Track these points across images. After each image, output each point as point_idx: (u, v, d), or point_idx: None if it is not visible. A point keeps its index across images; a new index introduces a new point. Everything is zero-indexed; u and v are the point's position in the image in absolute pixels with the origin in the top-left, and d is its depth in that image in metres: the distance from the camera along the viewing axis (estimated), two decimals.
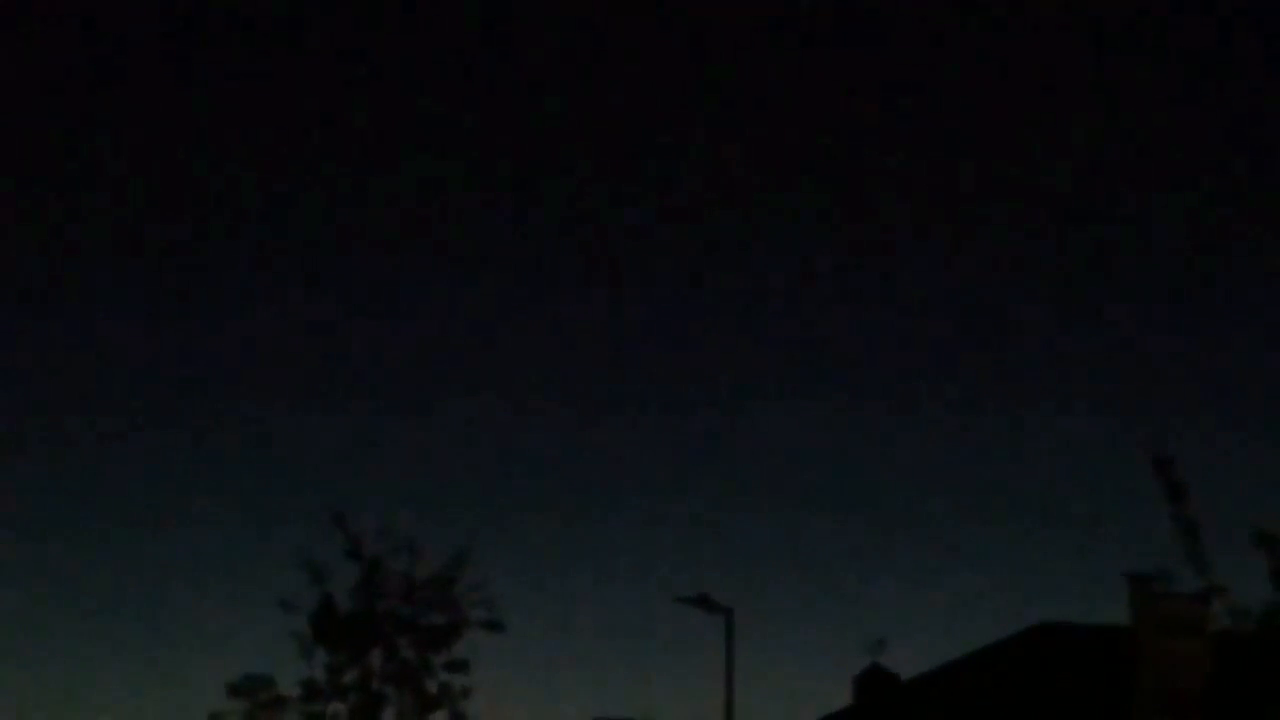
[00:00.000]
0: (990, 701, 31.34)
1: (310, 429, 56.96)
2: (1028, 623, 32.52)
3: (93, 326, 58.68)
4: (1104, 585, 42.40)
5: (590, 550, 58.44)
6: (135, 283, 59.05)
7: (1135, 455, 16.64)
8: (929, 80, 57.85)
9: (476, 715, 27.78)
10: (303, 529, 36.15)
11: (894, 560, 57.53)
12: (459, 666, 27.67)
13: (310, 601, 27.61)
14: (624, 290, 59.11)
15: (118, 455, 57.81)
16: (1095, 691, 29.50)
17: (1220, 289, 58.81)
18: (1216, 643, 24.59)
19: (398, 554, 27.84)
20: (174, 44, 55.90)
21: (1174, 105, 57.80)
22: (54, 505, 57.85)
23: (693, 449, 59.44)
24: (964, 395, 58.08)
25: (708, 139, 57.64)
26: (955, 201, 58.30)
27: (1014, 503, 59.32)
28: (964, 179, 58.62)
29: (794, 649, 53.75)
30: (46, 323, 59.01)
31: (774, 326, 59.70)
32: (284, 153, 58.29)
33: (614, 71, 57.04)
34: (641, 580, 55.04)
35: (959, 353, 59.21)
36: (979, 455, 58.42)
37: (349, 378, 58.30)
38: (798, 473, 59.51)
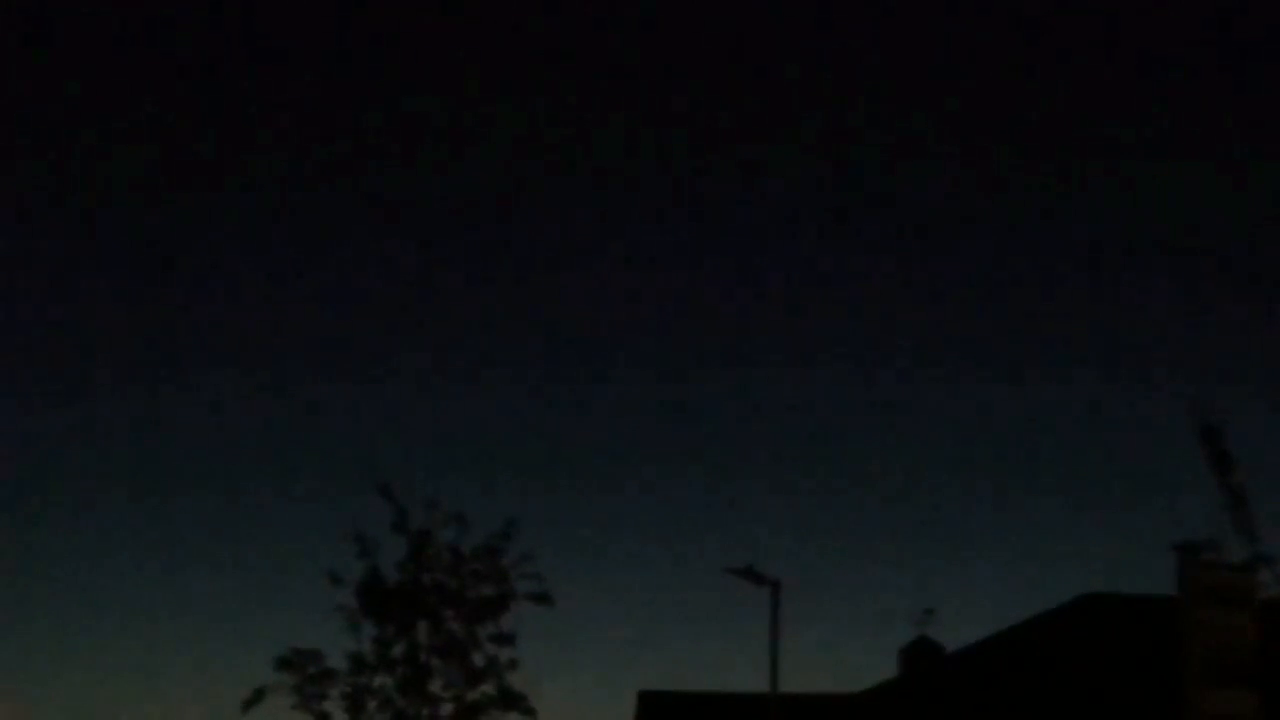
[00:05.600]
0: (1037, 672, 31.73)
1: (357, 400, 57.47)
2: (1075, 593, 33.00)
3: (145, 299, 59.38)
4: (1151, 556, 42.44)
5: (637, 523, 58.46)
6: (180, 255, 59.75)
7: (1182, 424, 16.58)
8: (953, 31, 57.98)
9: (523, 688, 27.62)
10: (350, 501, 36.20)
11: (940, 532, 57.78)
12: (506, 639, 27.67)
13: (357, 574, 27.62)
14: (671, 265, 59.40)
15: (163, 426, 58.51)
16: (1143, 662, 29.52)
17: (1265, 253, 58.74)
18: (1264, 612, 24.64)
19: (445, 526, 27.78)
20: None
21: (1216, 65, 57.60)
22: (97, 476, 58.63)
23: (740, 422, 59.76)
24: (1010, 367, 58.22)
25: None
26: (989, 167, 58.34)
27: (1060, 473, 59.36)
28: (998, 138, 58.63)
29: (841, 621, 53.96)
30: (104, 295, 59.88)
31: (819, 300, 59.83)
32: (321, 126, 58.80)
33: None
34: (689, 553, 55.38)
35: (1006, 325, 59.40)
36: (1026, 426, 58.42)
37: (397, 349, 58.79)
38: (845, 445, 59.73)
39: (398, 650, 27.46)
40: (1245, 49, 56.97)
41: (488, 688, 27.51)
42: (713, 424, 59.76)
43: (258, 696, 26.99)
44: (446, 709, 27.42)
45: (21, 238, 57.20)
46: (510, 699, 27.43)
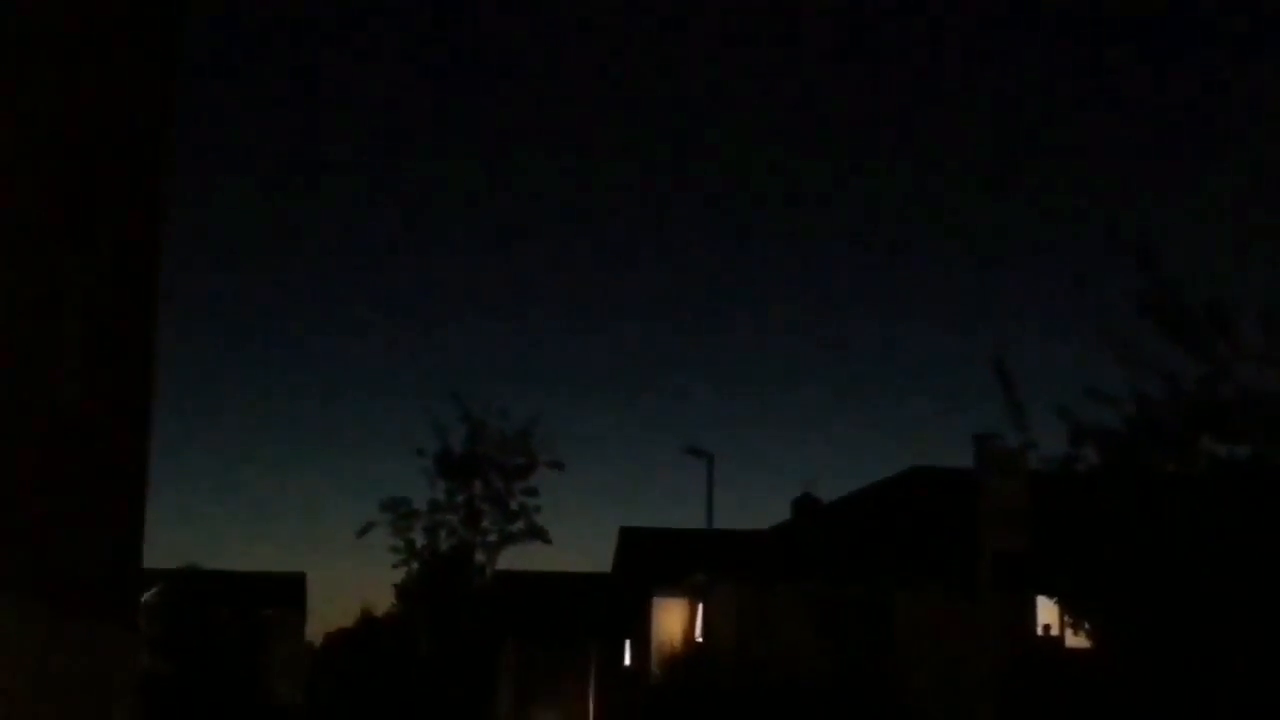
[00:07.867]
0: (881, 520, 37.08)
1: (434, 335, 75.65)
2: (908, 465, 38.70)
3: (297, 266, 76.19)
4: (961, 439, 49.53)
5: (623, 414, 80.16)
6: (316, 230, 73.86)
7: (984, 351, 19.47)
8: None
9: (544, 524, 33.43)
10: (431, 400, 49.37)
11: (826, 419, 75.07)
12: (532, 492, 33.28)
13: (435, 448, 33.23)
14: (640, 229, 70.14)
15: (312, 351, 78.97)
16: (954, 513, 34.87)
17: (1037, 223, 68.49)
18: (1030, 479, 24.43)
19: (493, 416, 33.39)
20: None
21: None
22: (261, 381, 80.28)
23: (689, 349, 76.11)
24: (876, 303, 68.58)
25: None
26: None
27: (902, 377, 70.09)
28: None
29: (752, 480, 71.76)
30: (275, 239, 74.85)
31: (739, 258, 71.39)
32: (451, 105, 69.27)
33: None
34: (657, 434, 76.12)
35: (876, 269, 69.71)
36: (882, 346, 69.06)
37: (468, 303, 76.36)
38: (765, 358, 72.27)
39: (460, 499, 33.61)
40: None
41: (520, 524, 33.65)
42: (673, 347, 75.98)
43: (368, 527, 33.78)
44: (492, 537, 33.81)
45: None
46: (535, 532, 33.63)
